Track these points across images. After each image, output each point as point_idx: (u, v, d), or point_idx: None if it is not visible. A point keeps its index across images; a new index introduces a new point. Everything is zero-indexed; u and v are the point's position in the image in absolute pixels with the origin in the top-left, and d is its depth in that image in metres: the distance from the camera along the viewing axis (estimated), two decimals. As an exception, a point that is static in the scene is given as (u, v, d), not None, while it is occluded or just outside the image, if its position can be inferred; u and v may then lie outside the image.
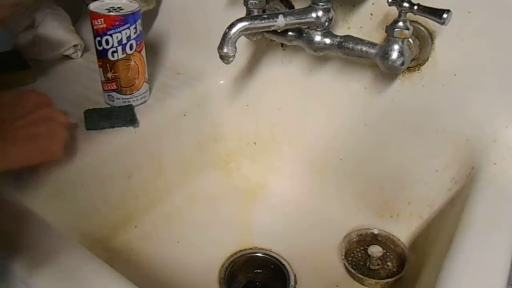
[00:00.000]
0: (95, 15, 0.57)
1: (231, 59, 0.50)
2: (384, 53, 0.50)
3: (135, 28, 0.58)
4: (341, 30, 0.59)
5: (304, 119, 0.66)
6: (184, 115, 0.66)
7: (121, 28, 0.57)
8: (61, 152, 0.44)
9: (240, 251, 0.60)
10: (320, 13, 0.52)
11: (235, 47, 0.49)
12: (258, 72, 0.68)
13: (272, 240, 0.61)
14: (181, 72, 0.71)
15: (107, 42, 0.58)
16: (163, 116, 0.63)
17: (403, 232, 0.60)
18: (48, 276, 0.39)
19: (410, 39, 0.53)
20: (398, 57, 0.50)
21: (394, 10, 0.49)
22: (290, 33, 0.56)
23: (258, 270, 0.59)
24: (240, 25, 0.49)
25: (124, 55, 0.59)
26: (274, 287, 0.58)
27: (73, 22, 0.78)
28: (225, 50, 0.49)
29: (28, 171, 0.49)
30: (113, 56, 0.59)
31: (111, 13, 0.56)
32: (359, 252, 0.60)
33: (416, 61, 0.55)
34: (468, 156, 0.54)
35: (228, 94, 0.70)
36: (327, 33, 0.54)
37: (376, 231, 0.61)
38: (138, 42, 0.60)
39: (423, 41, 0.54)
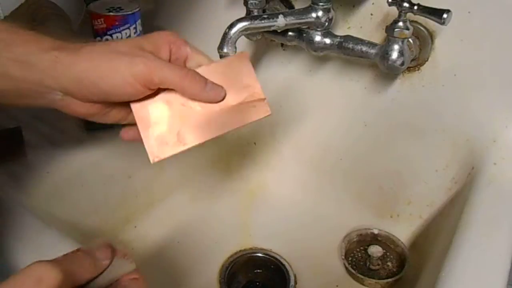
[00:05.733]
0: (95, 15, 0.57)
1: (231, 59, 0.50)
2: (384, 53, 0.50)
3: (135, 28, 0.58)
4: (341, 30, 0.59)
5: (304, 119, 0.66)
6: (184, 115, 0.66)
7: (121, 28, 0.57)
8: None
9: (240, 251, 0.60)
10: (320, 13, 0.52)
11: (235, 47, 0.49)
12: (258, 72, 0.68)
13: (272, 240, 0.61)
14: (181, 72, 0.71)
15: (107, 42, 0.58)
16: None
17: (403, 232, 0.60)
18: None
19: (410, 39, 0.53)
20: (398, 57, 0.50)
21: (394, 10, 0.49)
22: (290, 33, 0.56)
23: (258, 270, 0.59)
24: (240, 25, 0.49)
25: (124, 55, 0.59)
26: (274, 287, 0.58)
27: (73, 22, 0.78)
28: (225, 50, 0.49)
29: (28, 171, 0.50)
30: (113, 56, 0.59)
31: (111, 13, 0.56)
32: (359, 252, 0.60)
33: (416, 61, 0.55)
34: (468, 156, 0.54)
35: (228, 94, 0.70)
36: (327, 33, 0.54)
37: (376, 231, 0.61)
38: (138, 42, 0.60)
39: (423, 41, 0.54)
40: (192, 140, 0.37)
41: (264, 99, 0.40)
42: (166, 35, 0.39)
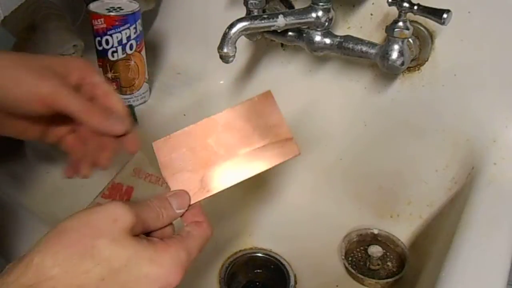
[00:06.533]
0: (95, 15, 0.57)
1: (231, 59, 0.50)
2: (384, 53, 0.50)
3: (135, 28, 0.58)
4: (341, 30, 0.59)
5: (303, 119, 0.66)
6: (184, 115, 0.66)
7: (121, 28, 0.57)
8: None
9: (240, 251, 0.60)
10: (320, 13, 0.52)
11: (235, 47, 0.49)
12: (258, 72, 0.68)
13: (272, 240, 0.61)
14: (181, 72, 0.71)
15: (107, 42, 0.58)
16: (163, 116, 0.63)
17: (403, 232, 0.60)
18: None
19: (410, 39, 0.53)
20: (398, 57, 0.50)
21: (394, 10, 0.49)
22: (290, 33, 0.56)
23: (258, 270, 0.59)
24: (240, 25, 0.49)
25: (124, 55, 0.59)
26: (274, 287, 0.58)
27: (73, 22, 0.78)
28: (225, 50, 0.49)
29: (28, 171, 0.49)
30: (113, 56, 0.59)
31: (111, 13, 0.57)
32: (359, 252, 0.60)
33: (416, 61, 0.55)
34: (468, 156, 0.54)
35: (228, 94, 0.70)
36: (327, 33, 0.54)
37: (376, 231, 0.61)
38: (138, 42, 0.60)
39: (423, 41, 0.54)
40: (216, 186, 0.37)
41: (292, 138, 0.38)
42: (78, 62, 0.39)
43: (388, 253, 0.59)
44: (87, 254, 0.27)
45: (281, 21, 0.51)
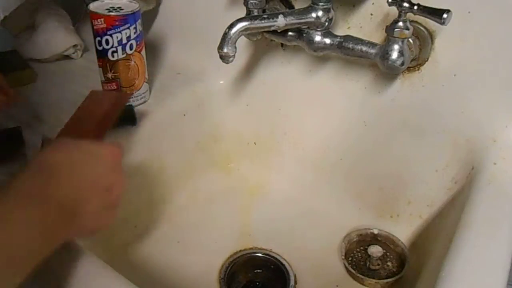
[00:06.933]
0: (95, 15, 0.57)
1: (231, 59, 0.50)
2: (384, 53, 0.50)
3: (135, 28, 0.58)
4: (341, 30, 0.59)
5: (304, 119, 0.66)
6: (184, 115, 0.66)
7: (121, 28, 0.57)
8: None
9: (240, 251, 0.60)
10: (320, 13, 0.52)
11: (235, 47, 0.49)
12: (258, 72, 0.68)
13: (272, 240, 0.61)
14: (181, 72, 0.71)
15: (107, 42, 0.58)
16: (163, 116, 0.63)
17: (403, 232, 0.60)
18: (48, 276, 0.39)
19: (410, 39, 0.53)
20: (398, 57, 0.50)
21: (394, 10, 0.49)
22: (290, 33, 0.56)
23: (258, 270, 0.59)
24: (240, 25, 0.49)
25: (124, 55, 0.59)
26: (274, 287, 0.58)
27: (73, 22, 0.78)
28: (225, 50, 0.49)
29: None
30: (113, 56, 0.59)
31: (111, 13, 0.57)
32: (359, 252, 0.60)
33: (416, 61, 0.55)
34: (468, 156, 0.54)
35: (228, 94, 0.70)
36: (327, 33, 0.54)
37: (376, 231, 0.61)
38: (138, 42, 0.60)
39: (423, 41, 0.54)
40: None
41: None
42: None
43: (388, 253, 0.59)
44: (62, 151, 0.38)
45: (281, 21, 0.51)
